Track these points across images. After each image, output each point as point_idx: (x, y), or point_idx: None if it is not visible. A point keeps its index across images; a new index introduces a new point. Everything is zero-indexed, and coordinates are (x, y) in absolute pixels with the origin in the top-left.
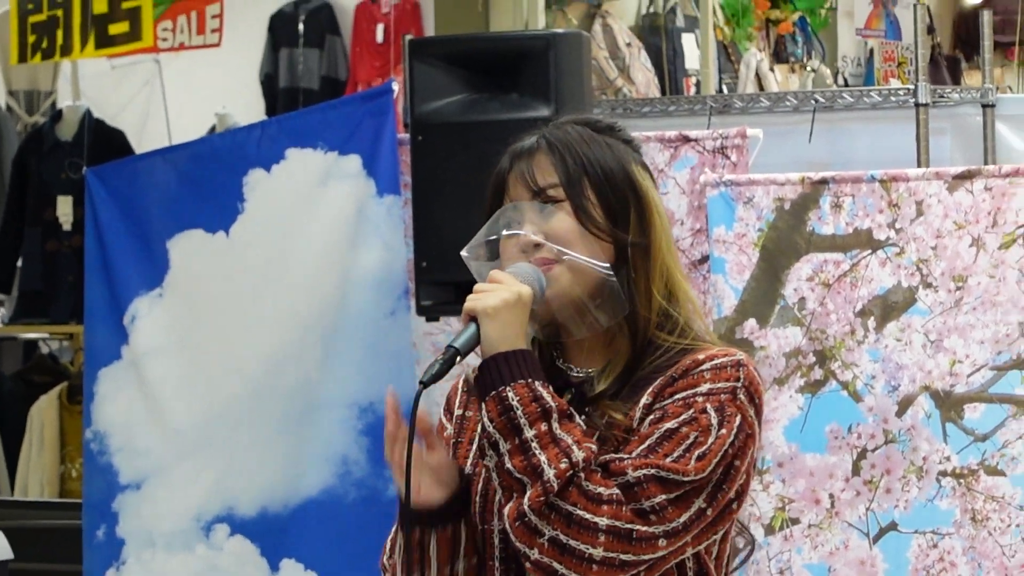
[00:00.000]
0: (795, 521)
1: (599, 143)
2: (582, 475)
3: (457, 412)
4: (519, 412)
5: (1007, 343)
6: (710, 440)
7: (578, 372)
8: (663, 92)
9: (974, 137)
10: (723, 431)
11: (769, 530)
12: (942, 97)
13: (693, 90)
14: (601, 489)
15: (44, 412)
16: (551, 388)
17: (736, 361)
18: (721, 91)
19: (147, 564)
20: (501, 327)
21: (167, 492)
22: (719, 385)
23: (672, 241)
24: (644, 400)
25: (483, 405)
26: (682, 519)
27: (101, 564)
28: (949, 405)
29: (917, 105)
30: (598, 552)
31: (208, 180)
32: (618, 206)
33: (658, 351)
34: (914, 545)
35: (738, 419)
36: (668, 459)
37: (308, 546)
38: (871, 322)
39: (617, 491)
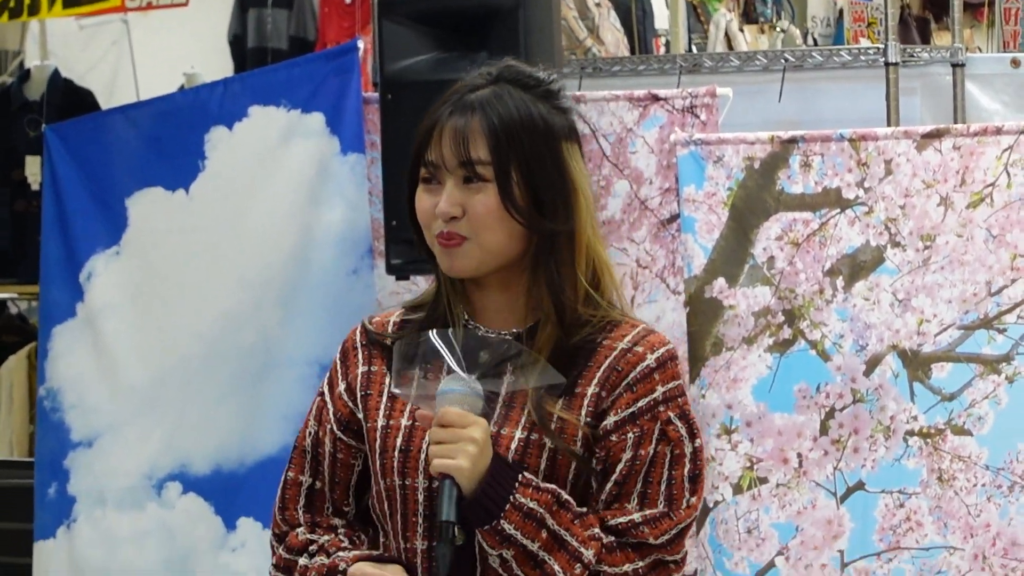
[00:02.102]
0: (763, 480)
1: (535, 120)
2: (603, 566)
3: (362, 369)
4: (518, 536)
5: (974, 302)
6: (687, 457)
7: (489, 332)
8: (632, 52)
9: (944, 97)
10: (698, 442)
11: (737, 489)
12: (912, 57)
13: (663, 50)
14: (627, 567)
15: (13, 372)
16: (534, 482)
17: (671, 353)
18: (691, 51)
19: (97, 522)
20: (477, 475)
21: (119, 449)
22: (670, 386)
23: (596, 220)
24: (592, 391)
25: (481, 535)
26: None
27: (52, 522)
28: (916, 364)
29: (887, 64)
30: None
31: (169, 138)
32: (545, 192)
33: (584, 327)
34: (881, 504)
35: (692, 415)
36: (676, 509)
37: (266, 504)
38: (839, 281)
39: (641, 564)
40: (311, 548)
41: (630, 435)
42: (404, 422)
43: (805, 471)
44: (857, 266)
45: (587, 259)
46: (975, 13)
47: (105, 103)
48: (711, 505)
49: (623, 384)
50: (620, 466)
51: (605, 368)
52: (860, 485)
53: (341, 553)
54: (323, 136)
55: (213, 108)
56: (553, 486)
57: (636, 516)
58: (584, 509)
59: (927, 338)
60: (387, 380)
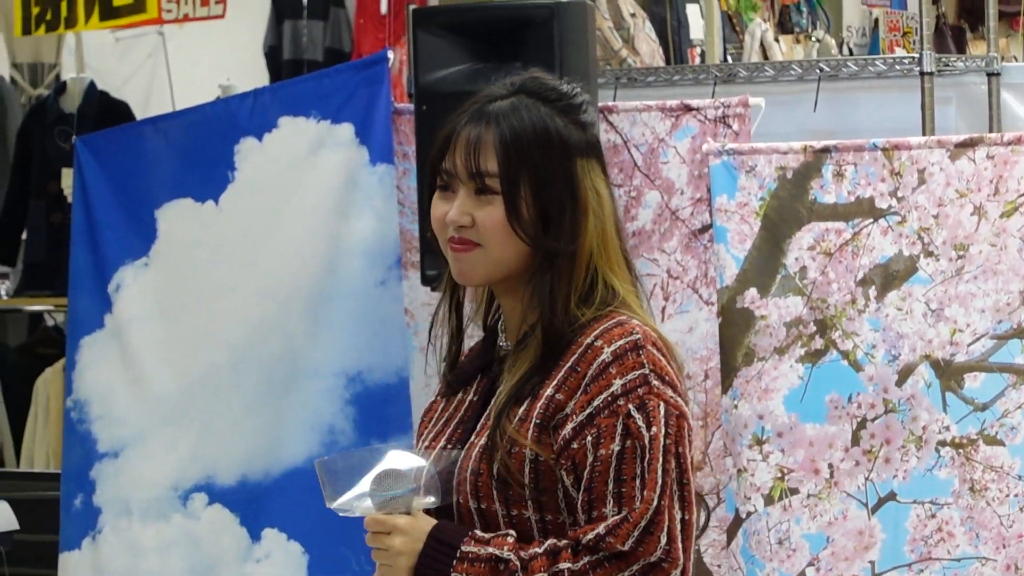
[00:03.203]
0: (794, 491)
1: (550, 135)
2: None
3: (431, 400)
4: None
5: (1008, 312)
6: (647, 449)
7: (506, 344)
8: (667, 62)
9: (979, 106)
10: (654, 429)
11: (768, 500)
12: (947, 66)
13: (698, 61)
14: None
15: (49, 384)
16: (470, 554)
17: (634, 343)
18: (726, 61)
19: (123, 533)
20: (411, 568)
21: (145, 460)
22: (629, 377)
23: (608, 236)
24: (548, 392)
25: None
26: (667, 534)
27: (77, 533)
28: (949, 374)
29: (922, 74)
30: None
31: (199, 149)
32: (553, 210)
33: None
34: (912, 515)
35: (662, 407)
36: (631, 508)
37: (291, 516)
38: (872, 291)
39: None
40: None
41: (588, 437)
42: (423, 447)
43: (836, 482)
44: (890, 276)
45: (587, 277)
46: (1011, 22)
47: (141, 115)
48: (743, 516)
49: (582, 386)
50: (586, 472)
51: (566, 369)
52: (892, 496)
53: None
54: (352, 147)
55: (243, 119)
56: (493, 550)
57: (600, 528)
58: (541, 548)
59: (960, 348)
60: (439, 409)
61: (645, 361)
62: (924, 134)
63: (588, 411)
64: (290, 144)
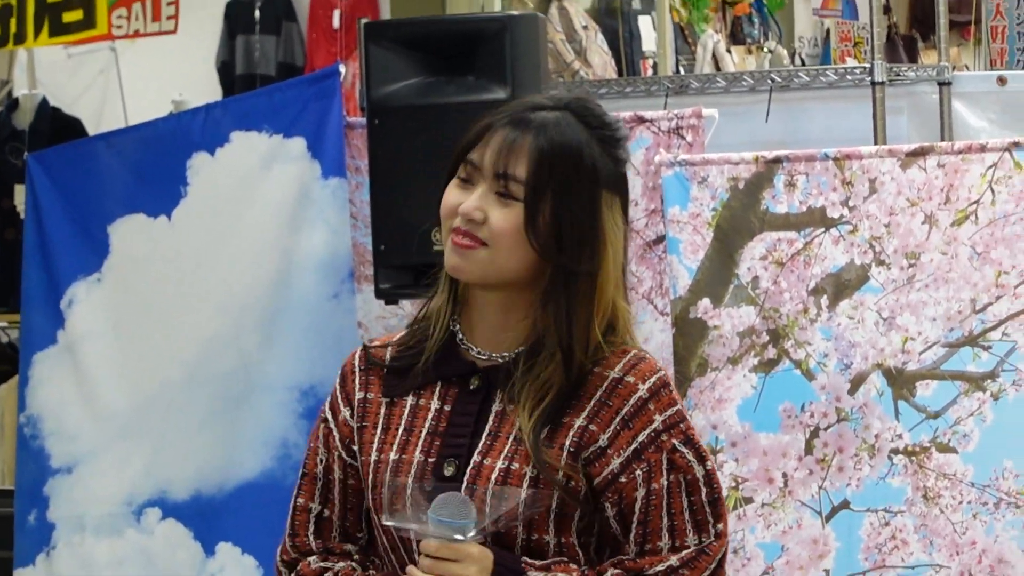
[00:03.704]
0: (748, 500)
1: (584, 158)
2: None
3: (359, 396)
4: None
5: (959, 320)
6: (700, 482)
7: (481, 354)
8: (620, 74)
9: (931, 115)
10: (708, 464)
11: None
12: (898, 76)
13: (650, 72)
14: None
15: (4, 401)
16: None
17: (664, 380)
18: (678, 72)
19: (76, 549)
20: None
21: (98, 476)
22: (668, 414)
23: (622, 276)
24: (579, 423)
25: None
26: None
27: (32, 549)
28: (901, 383)
29: (873, 84)
30: None
31: (151, 164)
32: (569, 229)
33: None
34: (866, 523)
35: (697, 439)
36: (708, 542)
37: (245, 530)
38: (824, 300)
39: None
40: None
41: (638, 472)
42: (392, 456)
43: (790, 491)
44: (841, 285)
45: (604, 306)
46: (962, 31)
47: (93, 131)
48: None
49: (618, 419)
50: (637, 505)
51: (595, 401)
52: (845, 504)
53: None
54: (304, 161)
55: (195, 134)
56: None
57: (673, 560)
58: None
59: (912, 356)
60: (382, 410)
61: (676, 398)
62: (876, 143)
63: (634, 446)
64: (242, 158)
